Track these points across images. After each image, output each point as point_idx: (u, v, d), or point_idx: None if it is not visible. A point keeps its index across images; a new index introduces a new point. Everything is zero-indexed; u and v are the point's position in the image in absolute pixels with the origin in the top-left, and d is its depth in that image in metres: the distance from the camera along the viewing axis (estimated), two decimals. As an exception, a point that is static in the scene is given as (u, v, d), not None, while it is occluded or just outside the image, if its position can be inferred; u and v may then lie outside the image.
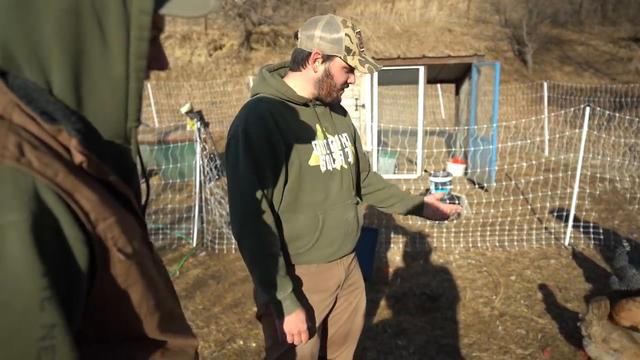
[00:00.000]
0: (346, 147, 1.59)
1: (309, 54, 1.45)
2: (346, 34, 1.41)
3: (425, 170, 7.37)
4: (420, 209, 1.80)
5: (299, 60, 1.47)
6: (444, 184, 5.39)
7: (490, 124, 6.32)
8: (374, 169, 7.19)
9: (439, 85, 11.88)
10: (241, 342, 3.05)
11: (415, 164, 7.48)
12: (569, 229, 4.46)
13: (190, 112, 5.29)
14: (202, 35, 17.30)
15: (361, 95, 6.86)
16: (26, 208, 0.51)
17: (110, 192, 0.67)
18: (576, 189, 4.43)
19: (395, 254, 4.42)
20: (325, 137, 1.51)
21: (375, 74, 6.87)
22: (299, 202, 1.47)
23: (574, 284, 3.68)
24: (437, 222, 5.25)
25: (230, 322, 3.30)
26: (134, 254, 0.65)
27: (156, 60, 0.71)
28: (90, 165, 0.62)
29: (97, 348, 0.67)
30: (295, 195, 1.46)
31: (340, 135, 1.58)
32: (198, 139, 4.75)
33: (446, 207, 1.78)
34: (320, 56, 1.44)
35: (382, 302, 3.51)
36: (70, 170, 0.58)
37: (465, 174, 7.19)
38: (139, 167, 0.80)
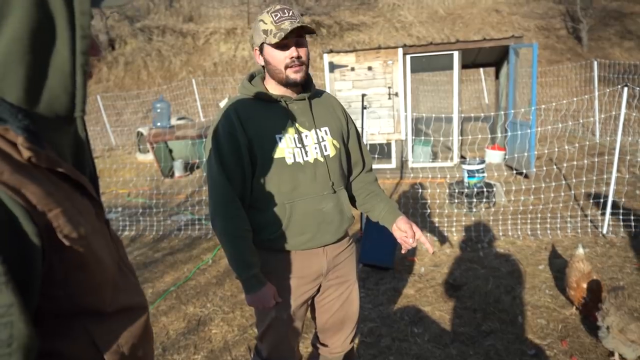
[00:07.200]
0: (324, 140, 1.63)
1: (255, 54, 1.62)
2: (260, 20, 1.53)
3: (463, 157, 7.22)
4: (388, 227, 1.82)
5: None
6: (476, 171, 5.27)
7: (528, 108, 6.09)
8: (409, 157, 7.13)
9: (481, 70, 11.49)
10: (262, 328, 3.19)
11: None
12: (607, 216, 4.25)
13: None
14: (246, 29, 17.63)
15: (394, 84, 6.79)
16: None
17: (64, 179, 0.74)
18: (614, 174, 4.21)
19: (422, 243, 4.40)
20: (298, 132, 1.57)
21: (408, 63, 6.78)
22: (267, 191, 1.56)
23: (606, 273, 3.53)
24: (467, 210, 5.16)
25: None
26: (81, 238, 0.72)
27: (92, 49, 0.78)
28: (38, 159, 0.68)
29: (55, 323, 0.76)
30: (263, 185, 1.56)
31: (318, 130, 1.62)
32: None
33: (406, 239, 1.74)
34: (256, 51, 1.59)
35: (404, 291, 3.54)
36: (16, 167, 0.65)
37: (505, 160, 6.98)
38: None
